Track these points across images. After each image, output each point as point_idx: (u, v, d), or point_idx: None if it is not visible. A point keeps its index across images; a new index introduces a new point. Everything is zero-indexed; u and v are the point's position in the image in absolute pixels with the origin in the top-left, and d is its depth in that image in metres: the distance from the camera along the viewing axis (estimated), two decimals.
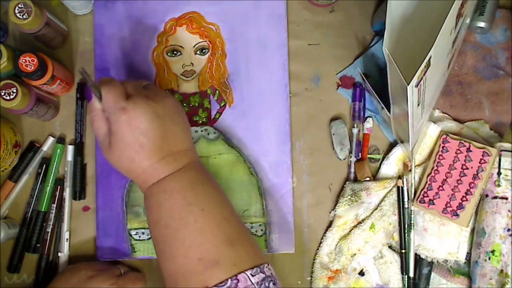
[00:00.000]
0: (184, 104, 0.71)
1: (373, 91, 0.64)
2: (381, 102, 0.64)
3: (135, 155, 0.55)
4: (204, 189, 0.57)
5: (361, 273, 0.67)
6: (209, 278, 0.52)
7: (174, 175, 0.56)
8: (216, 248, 0.53)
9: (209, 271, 0.52)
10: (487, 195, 0.65)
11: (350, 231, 0.67)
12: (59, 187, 0.70)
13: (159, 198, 0.56)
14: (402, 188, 0.67)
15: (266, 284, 0.53)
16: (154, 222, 0.56)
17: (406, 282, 0.67)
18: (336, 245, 0.68)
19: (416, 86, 0.51)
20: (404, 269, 0.66)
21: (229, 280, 0.51)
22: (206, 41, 0.72)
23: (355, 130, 0.69)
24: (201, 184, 0.57)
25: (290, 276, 0.69)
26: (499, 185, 0.64)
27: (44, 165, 0.71)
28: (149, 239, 0.69)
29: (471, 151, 0.65)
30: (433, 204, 0.65)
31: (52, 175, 0.70)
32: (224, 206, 0.58)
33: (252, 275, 0.52)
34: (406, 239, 0.66)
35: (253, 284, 0.52)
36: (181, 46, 0.72)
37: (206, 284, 0.51)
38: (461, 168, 0.65)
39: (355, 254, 0.66)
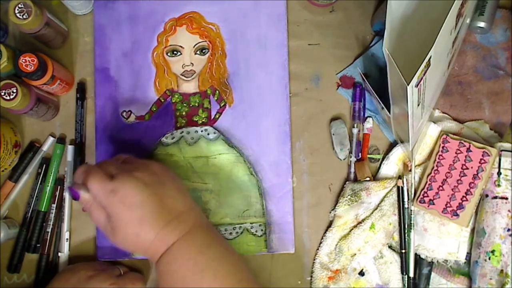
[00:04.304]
0: (184, 104, 0.71)
1: (373, 91, 0.64)
2: (381, 102, 0.64)
3: (139, 230, 0.54)
4: (215, 252, 0.56)
5: (361, 273, 0.67)
6: None
7: (182, 240, 0.55)
8: None
9: None
10: (487, 195, 0.65)
11: (350, 231, 0.67)
12: (59, 187, 0.70)
13: (170, 267, 0.54)
14: (402, 188, 0.67)
15: None
16: None
17: (406, 282, 0.67)
18: (336, 245, 0.68)
19: (416, 86, 0.51)
20: (404, 269, 0.66)
21: None
22: (206, 41, 0.72)
23: (355, 130, 0.69)
24: (211, 247, 0.56)
25: (290, 276, 0.69)
26: (499, 185, 0.64)
27: (44, 165, 0.71)
28: None
29: (471, 151, 0.65)
30: (433, 204, 0.65)
31: (52, 175, 0.70)
32: (238, 268, 0.56)
33: None
34: (406, 239, 0.66)
35: None
36: (181, 46, 0.72)
37: None
38: (461, 168, 0.65)
39: (355, 254, 0.66)
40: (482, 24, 0.67)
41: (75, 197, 0.56)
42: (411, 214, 0.66)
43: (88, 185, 0.55)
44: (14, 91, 0.63)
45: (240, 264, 0.57)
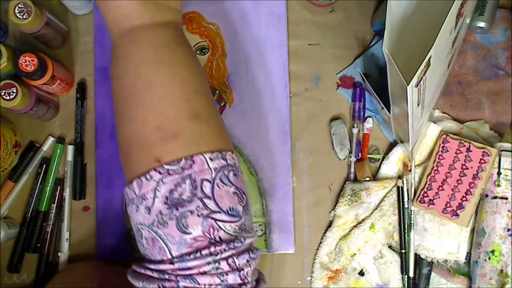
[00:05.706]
0: None
1: (373, 91, 0.64)
2: (381, 102, 0.64)
3: None
4: (181, 53, 0.50)
5: (361, 273, 0.67)
6: (163, 152, 0.46)
7: (152, 26, 0.49)
8: (178, 120, 0.47)
9: (165, 144, 0.46)
10: (487, 195, 0.65)
11: (350, 231, 0.67)
12: (59, 187, 0.70)
13: (129, 49, 0.49)
14: (402, 188, 0.67)
15: (225, 173, 0.46)
16: (117, 77, 0.49)
17: (406, 282, 0.67)
18: (336, 245, 0.68)
19: (416, 86, 0.51)
20: (404, 269, 0.67)
21: (183, 160, 0.45)
22: (206, 41, 0.72)
23: (355, 130, 0.69)
24: (179, 46, 0.50)
25: (290, 276, 0.69)
26: (499, 185, 0.64)
27: (44, 165, 0.71)
28: None
29: (471, 151, 0.65)
30: (433, 204, 0.65)
31: (52, 175, 0.70)
32: (199, 78, 0.50)
33: (211, 159, 0.46)
34: (406, 239, 0.66)
35: (210, 169, 0.45)
36: None
37: (158, 158, 0.45)
38: (461, 168, 0.65)
39: (355, 254, 0.66)
40: (482, 24, 0.67)
41: None
42: (411, 214, 0.66)
43: None
44: (14, 91, 0.63)
45: (202, 76, 0.52)
